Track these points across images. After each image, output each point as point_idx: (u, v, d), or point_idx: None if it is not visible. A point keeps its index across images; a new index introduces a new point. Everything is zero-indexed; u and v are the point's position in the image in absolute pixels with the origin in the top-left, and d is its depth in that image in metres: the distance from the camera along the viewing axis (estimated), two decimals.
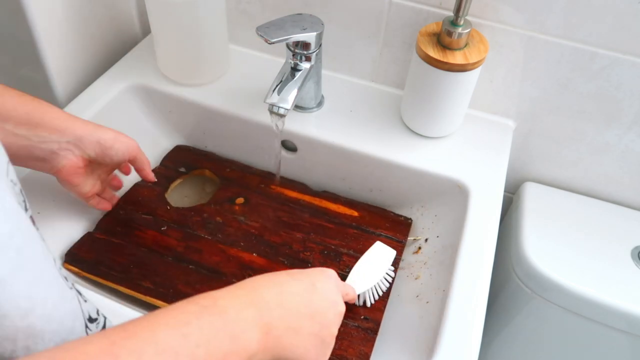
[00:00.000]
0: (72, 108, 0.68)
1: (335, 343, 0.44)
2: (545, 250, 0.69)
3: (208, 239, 0.62)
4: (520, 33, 0.64)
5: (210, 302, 0.34)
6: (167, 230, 0.63)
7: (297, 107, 0.71)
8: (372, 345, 0.55)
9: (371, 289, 0.57)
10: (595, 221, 0.73)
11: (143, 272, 0.58)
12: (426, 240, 0.66)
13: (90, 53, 0.74)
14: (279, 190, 0.69)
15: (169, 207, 0.65)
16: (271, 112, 0.61)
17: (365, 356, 0.54)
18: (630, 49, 0.61)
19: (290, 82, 0.62)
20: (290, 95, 0.61)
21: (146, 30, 0.82)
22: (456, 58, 0.60)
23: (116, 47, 0.79)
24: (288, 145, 0.72)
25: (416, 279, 0.63)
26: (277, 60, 0.77)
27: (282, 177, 0.71)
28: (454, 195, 0.64)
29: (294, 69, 0.63)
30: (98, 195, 0.60)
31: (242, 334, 0.34)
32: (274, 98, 0.60)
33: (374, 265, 0.58)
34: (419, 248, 0.66)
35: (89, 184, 0.57)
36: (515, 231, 0.72)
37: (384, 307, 0.58)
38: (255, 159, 0.73)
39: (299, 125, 0.69)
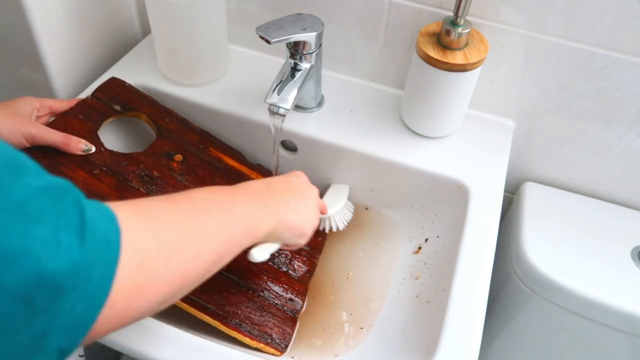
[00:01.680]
0: None
1: (262, 319, 0.56)
2: (545, 250, 0.69)
3: (142, 192, 0.59)
4: (520, 33, 0.64)
5: (230, 192, 0.46)
6: (99, 174, 0.58)
7: (297, 107, 0.71)
8: (295, 326, 0.59)
9: (337, 216, 0.65)
10: (595, 221, 0.73)
11: None
12: (426, 240, 0.66)
13: (90, 53, 0.74)
14: (217, 154, 0.68)
15: (102, 149, 0.60)
16: (271, 112, 0.61)
17: (288, 335, 0.57)
18: (630, 49, 0.61)
19: (290, 82, 0.62)
20: (290, 95, 0.61)
21: (146, 30, 0.82)
22: (456, 58, 0.60)
23: (116, 47, 0.79)
24: (288, 145, 0.72)
25: (416, 279, 0.63)
26: (277, 60, 0.77)
27: (221, 143, 0.70)
28: (454, 195, 0.64)
29: (294, 69, 0.63)
30: None
31: (253, 210, 0.45)
32: (274, 98, 0.60)
33: (335, 198, 0.67)
34: (419, 248, 0.66)
35: None
36: (515, 231, 0.72)
37: (306, 291, 0.62)
38: (255, 158, 0.73)
39: (299, 125, 0.69)
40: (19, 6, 0.61)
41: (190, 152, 0.66)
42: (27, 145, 0.55)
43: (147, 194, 0.59)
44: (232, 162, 0.68)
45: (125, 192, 0.58)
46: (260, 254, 0.50)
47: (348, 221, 0.68)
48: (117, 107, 0.65)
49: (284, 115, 0.61)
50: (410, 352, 0.54)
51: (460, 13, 0.59)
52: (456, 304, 0.53)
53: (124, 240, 0.31)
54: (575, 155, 0.73)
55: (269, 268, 0.61)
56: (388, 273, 0.65)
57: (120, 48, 0.79)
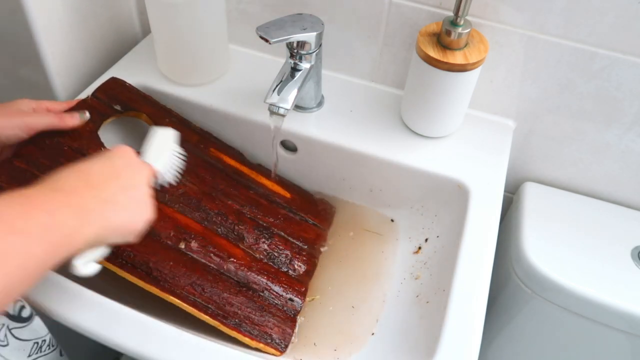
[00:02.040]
0: None
1: (261, 319, 0.56)
2: (545, 250, 0.69)
3: None
4: (520, 33, 0.64)
5: (19, 201, 0.36)
6: None
7: (297, 107, 0.71)
8: (295, 326, 0.59)
9: (168, 166, 0.55)
10: (595, 221, 0.73)
11: None
12: (426, 240, 0.66)
13: (90, 53, 0.74)
14: (218, 154, 0.68)
15: (103, 149, 0.59)
16: (271, 112, 0.61)
17: (288, 335, 0.57)
18: (630, 49, 0.61)
19: (290, 82, 0.62)
20: (290, 95, 0.61)
21: (146, 30, 0.82)
22: (456, 58, 0.60)
23: (116, 47, 0.79)
24: (288, 145, 0.72)
25: (416, 279, 0.63)
26: (277, 60, 0.77)
27: (221, 143, 0.69)
28: (454, 195, 0.64)
29: (294, 69, 0.63)
30: None
31: (55, 221, 0.36)
32: (274, 98, 0.60)
33: (161, 147, 0.56)
34: (419, 248, 0.66)
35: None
36: (515, 231, 0.72)
37: (306, 291, 0.62)
38: (255, 158, 0.73)
39: (299, 125, 0.69)
40: (19, 6, 0.61)
41: (190, 152, 0.65)
42: (25, 136, 0.53)
43: None
44: (232, 162, 0.68)
45: None
46: (86, 267, 0.42)
47: (179, 171, 0.57)
48: (118, 107, 0.65)
49: (284, 115, 0.61)
50: (410, 352, 0.54)
51: (460, 13, 0.59)
52: (456, 304, 0.53)
53: None
54: (575, 155, 0.73)
55: (269, 268, 0.61)
56: (388, 273, 0.65)
57: (120, 48, 0.79)
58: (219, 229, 0.61)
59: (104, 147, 0.60)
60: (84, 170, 0.42)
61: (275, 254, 0.63)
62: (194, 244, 0.58)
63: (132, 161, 0.45)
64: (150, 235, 0.55)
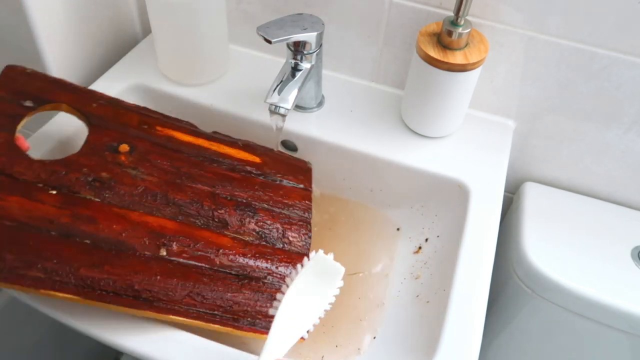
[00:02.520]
0: None
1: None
2: (545, 250, 0.69)
3: (97, 201, 0.49)
4: (520, 33, 0.64)
5: None
6: (37, 195, 0.47)
7: (298, 107, 0.71)
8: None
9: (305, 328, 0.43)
10: (595, 221, 0.73)
11: (23, 258, 0.44)
12: (426, 240, 0.66)
13: (91, 53, 0.74)
14: (167, 132, 0.58)
15: (28, 161, 0.49)
16: (272, 112, 0.61)
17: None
18: (630, 49, 0.61)
19: (291, 82, 0.62)
20: (290, 95, 0.61)
21: (146, 30, 0.82)
22: (456, 58, 0.60)
23: (116, 47, 0.79)
24: (288, 145, 0.72)
25: (416, 278, 0.63)
26: (277, 60, 0.77)
27: (164, 118, 0.61)
28: (454, 195, 0.64)
29: (295, 69, 0.63)
30: None
31: None
32: (275, 98, 0.60)
33: (310, 297, 0.42)
34: (419, 248, 0.66)
35: None
36: (515, 231, 0.72)
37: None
38: None
39: (299, 125, 0.69)
40: (19, 6, 0.61)
41: (135, 138, 0.56)
42: None
43: (103, 202, 0.50)
44: (186, 138, 0.59)
45: (77, 207, 0.48)
46: None
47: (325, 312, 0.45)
48: (28, 103, 0.53)
49: (284, 115, 0.61)
50: (410, 352, 0.54)
51: (460, 13, 0.59)
52: (456, 304, 0.53)
53: None
54: (575, 155, 0.73)
55: (264, 249, 0.56)
56: (388, 273, 0.65)
57: (121, 48, 0.80)
58: (197, 221, 0.53)
59: (29, 158, 0.50)
60: None
61: (266, 231, 0.57)
62: (175, 247, 0.50)
63: None
64: (123, 251, 0.48)
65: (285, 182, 0.62)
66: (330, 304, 0.44)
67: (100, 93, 0.59)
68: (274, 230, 0.58)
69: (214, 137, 0.62)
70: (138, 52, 0.78)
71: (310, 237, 0.59)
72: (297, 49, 0.62)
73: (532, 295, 0.69)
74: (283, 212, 0.59)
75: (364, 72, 0.75)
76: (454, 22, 0.60)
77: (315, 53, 0.62)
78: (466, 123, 0.71)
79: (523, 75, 0.67)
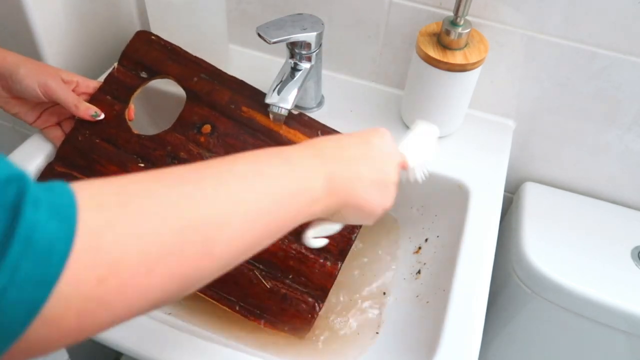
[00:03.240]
0: None
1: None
2: (545, 250, 0.69)
3: None
4: (520, 33, 0.64)
5: (277, 151, 0.37)
6: (130, 166, 0.58)
7: (298, 106, 0.71)
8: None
9: (420, 164, 0.51)
10: (595, 221, 0.73)
11: None
12: (426, 240, 0.66)
13: (90, 52, 0.74)
14: (250, 114, 0.62)
15: (130, 135, 0.60)
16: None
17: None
18: (630, 49, 0.61)
19: (291, 82, 0.62)
20: (290, 95, 0.61)
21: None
22: (456, 58, 0.60)
23: (116, 47, 0.79)
24: None
25: (416, 279, 0.63)
26: (277, 60, 0.77)
27: (255, 97, 0.64)
28: (454, 195, 0.64)
29: (294, 69, 0.63)
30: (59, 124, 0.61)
31: (307, 178, 0.37)
32: (274, 98, 0.60)
33: (420, 143, 0.52)
34: (419, 248, 0.66)
35: (31, 115, 0.59)
36: (515, 231, 0.72)
37: (334, 274, 0.57)
38: None
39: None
40: (19, 6, 0.61)
41: (220, 117, 0.61)
42: (41, 96, 0.56)
43: None
44: (265, 121, 0.62)
45: None
46: (316, 241, 0.44)
47: (428, 169, 0.53)
48: (144, 74, 0.63)
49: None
50: (410, 352, 0.54)
51: (460, 13, 0.59)
52: (456, 304, 0.53)
53: (78, 246, 0.23)
54: (575, 155, 0.73)
55: (298, 252, 0.57)
56: (388, 273, 0.65)
57: (120, 48, 0.79)
58: None
59: (131, 132, 0.60)
60: (342, 143, 0.42)
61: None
62: None
63: (388, 145, 0.44)
64: None
65: None
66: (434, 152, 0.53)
67: (206, 64, 0.64)
68: None
69: (297, 120, 0.63)
70: None
71: (349, 247, 0.59)
72: (297, 49, 0.62)
73: (532, 295, 0.69)
74: None
75: (364, 72, 0.75)
76: (454, 22, 0.60)
77: (314, 53, 0.62)
78: (466, 123, 0.71)
79: (523, 75, 0.67)
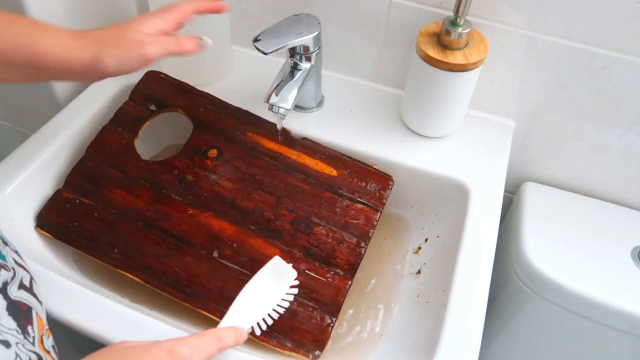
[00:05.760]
0: (72, 108, 0.69)
1: (294, 324, 0.53)
2: (545, 250, 0.69)
3: (178, 200, 0.60)
4: (520, 33, 0.64)
5: None
6: (137, 192, 0.61)
7: (297, 107, 0.71)
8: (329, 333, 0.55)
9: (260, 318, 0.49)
10: (595, 221, 0.73)
11: (112, 241, 0.58)
12: (426, 240, 0.66)
13: None
14: (255, 139, 0.65)
15: (137, 161, 0.63)
16: (271, 112, 0.61)
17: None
18: (630, 49, 0.61)
19: (290, 82, 0.62)
20: (290, 95, 0.61)
21: None
22: (456, 58, 0.60)
23: None
24: None
25: (416, 279, 0.63)
26: (277, 60, 0.77)
27: (258, 123, 0.66)
28: (454, 195, 0.64)
29: (294, 69, 0.63)
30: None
31: None
32: (274, 98, 0.60)
33: (262, 293, 0.50)
34: (419, 248, 0.66)
35: None
36: (515, 231, 0.72)
37: (348, 286, 0.57)
38: None
39: (299, 125, 0.69)
40: (19, 6, 0.61)
41: (226, 143, 0.64)
42: (142, 68, 0.48)
43: (183, 201, 0.60)
44: (270, 145, 0.65)
45: (161, 203, 0.60)
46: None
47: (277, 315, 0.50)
48: (153, 107, 0.66)
49: (284, 115, 0.61)
50: (410, 352, 0.54)
51: (460, 13, 0.59)
52: (456, 304, 0.53)
53: None
54: (575, 155, 0.73)
55: (309, 265, 0.58)
56: (388, 273, 0.65)
57: None
58: (254, 229, 0.59)
59: (138, 158, 0.63)
60: None
61: (314, 249, 0.58)
62: (226, 251, 0.58)
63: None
64: (184, 247, 0.57)
65: (354, 198, 0.62)
66: (285, 301, 0.51)
67: (212, 97, 0.68)
68: (324, 249, 0.59)
69: (298, 146, 0.65)
70: None
71: (359, 260, 0.59)
72: (297, 49, 0.62)
73: (532, 295, 0.69)
74: (340, 232, 0.60)
75: (364, 72, 0.75)
76: (454, 22, 0.60)
77: (314, 53, 0.62)
78: (466, 123, 0.71)
79: (523, 75, 0.67)
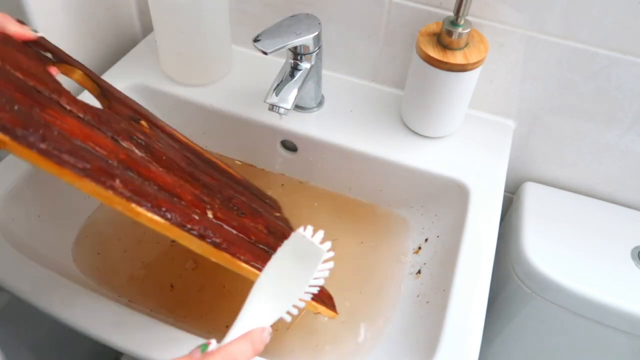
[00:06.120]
0: None
1: None
2: (545, 250, 0.69)
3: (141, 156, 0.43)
4: (520, 33, 0.64)
5: None
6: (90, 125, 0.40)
7: (297, 107, 0.71)
8: None
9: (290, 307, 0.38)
10: (595, 221, 0.73)
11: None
12: (426, 240, 0.66)
13: (90, 53, 0.74)
14: (169, 131, 0.56)
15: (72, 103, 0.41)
16: (271, 112, 0.61)
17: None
18: (630, 49, 0.61)
19: (291, 82, 0.62)
20: (290, 95, 0.61)
21: (146, 31, 0.82)
22: (456, 58, 0.60)
23: (116, 47, 0.79)
24: (288, 145, 0.72)
25: (416, 278, 0.63)
26: (277, 61, 0.77)
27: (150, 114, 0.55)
28: (454, 195, 0.64)
29: (294, 69, 0.63)
30: None
31: None
32: (274, 98, 0.60)
33: (289, 276, 0.38)
34: (419, 248, 0.66)
35: None
36: (515, 231, 0.72)
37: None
38: (255, 158, 0.73)
39: (299, 125, 0.69)
40: (19, 6, 0.61)
41: (151, 124, 0.52)
42: None
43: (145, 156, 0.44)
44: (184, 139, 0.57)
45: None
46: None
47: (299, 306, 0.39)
48: (48, 54, 0.49)
49: (284, 115, 0.61)
50: (410, 352, 0.54)
51: (460, 13, 0.59)
52: (456, 304, 0.53)
53: None
54: (575, 155, 0.73)
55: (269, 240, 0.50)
56: (388, 273, 0.65)
57: (120, 48, 0.80)
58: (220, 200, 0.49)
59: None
60: None
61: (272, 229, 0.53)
62: (219, 214, 0.45)
63: None
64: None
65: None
66: (313, 287, 0.39)
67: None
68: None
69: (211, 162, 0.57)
70: (138, 52, 0.78)
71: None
72: (296, 50, 0.62)
73: (532, 295, 0.69)
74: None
75: (364, 72, 0.75)
76: (454, 22, 0.60)
77: (314, 53, 0.62)
78: (466, 123, 0.71)
79: (523, 75, 0.67)
